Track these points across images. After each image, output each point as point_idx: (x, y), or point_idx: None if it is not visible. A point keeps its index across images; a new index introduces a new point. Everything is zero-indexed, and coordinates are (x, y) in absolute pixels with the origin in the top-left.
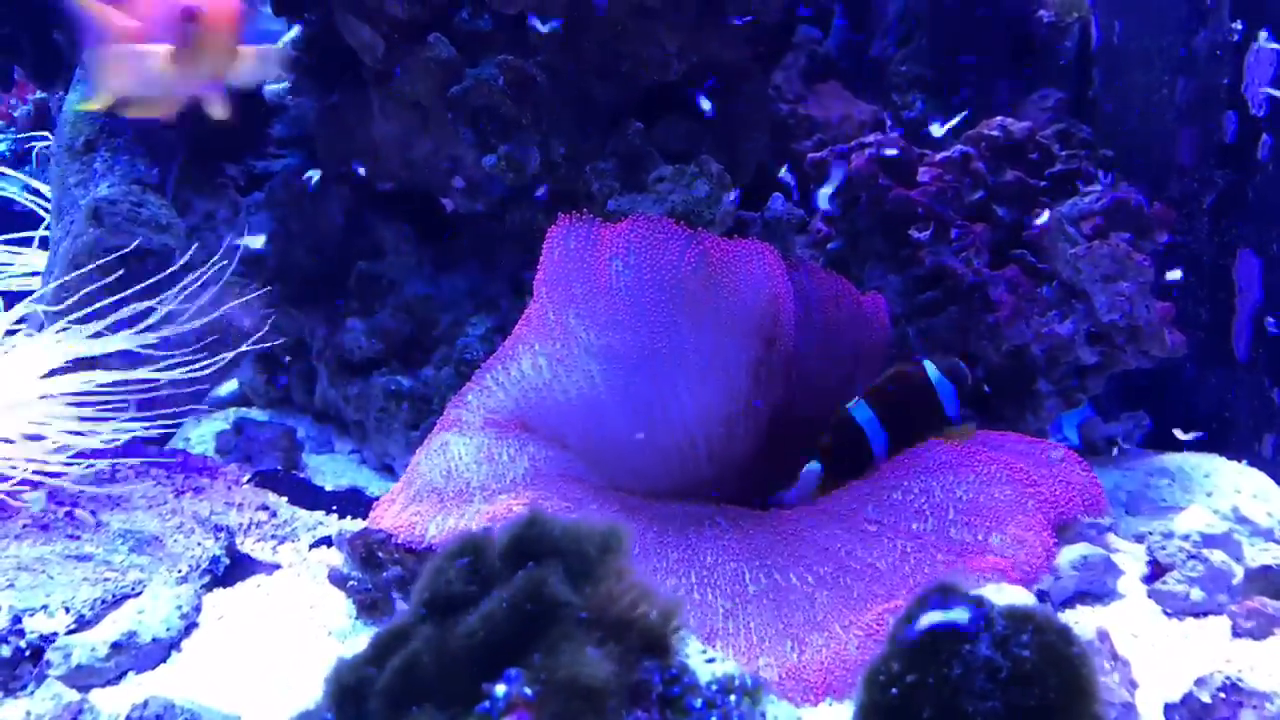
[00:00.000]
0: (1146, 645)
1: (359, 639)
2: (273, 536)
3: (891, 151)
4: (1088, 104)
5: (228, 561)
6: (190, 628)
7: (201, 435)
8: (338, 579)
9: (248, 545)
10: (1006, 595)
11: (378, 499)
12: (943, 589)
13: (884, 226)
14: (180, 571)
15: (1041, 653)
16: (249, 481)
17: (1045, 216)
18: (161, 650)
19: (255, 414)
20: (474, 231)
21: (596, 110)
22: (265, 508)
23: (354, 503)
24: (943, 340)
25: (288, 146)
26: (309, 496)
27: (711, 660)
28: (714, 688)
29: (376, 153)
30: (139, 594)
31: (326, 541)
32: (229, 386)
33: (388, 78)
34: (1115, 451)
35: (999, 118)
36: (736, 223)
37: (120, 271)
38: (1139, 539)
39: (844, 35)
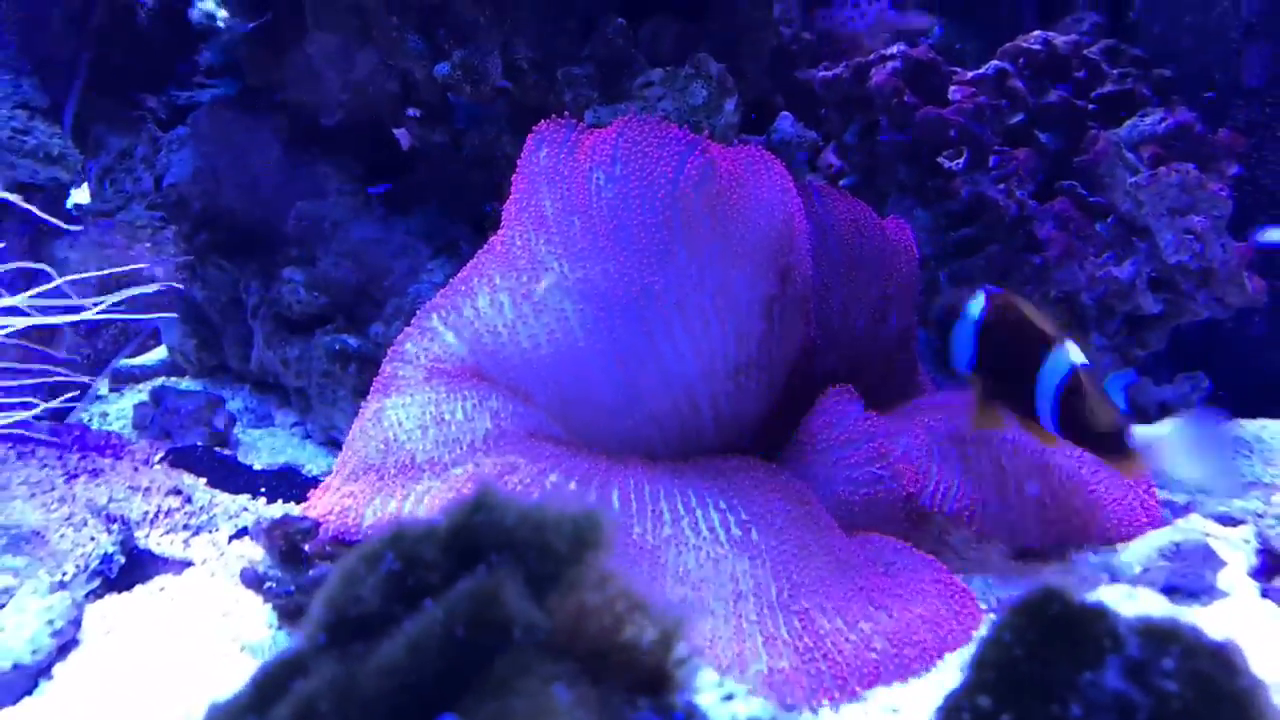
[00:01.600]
0: (1267, 660)
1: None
2: (185, 527)
3: (921, 57)
4: (1128, 27)
5: (123, 560)
6: (67, 646)
7: (122, 410)
8: (252, 579)
9: (153, 539)
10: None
11: (318, 479)
12: (1048, 592)
13: (910, 153)
14: (62, 575)
15: (1196, 686)
16: (161, 461)
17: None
18: (25, 679)
19: (187, 385)
20: (432, 165)
21: (569, 6)
22: (178, 492)
23: (288, 483)
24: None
25: (217, 75)
26: (235, 477)
27: (730, 698)
28: None
29: (314, 74)
30: (2, 605)
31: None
32: (156, 354)
33: None
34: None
35: (1038, 31)
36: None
37: None
38: (1223, 520)
39: None
